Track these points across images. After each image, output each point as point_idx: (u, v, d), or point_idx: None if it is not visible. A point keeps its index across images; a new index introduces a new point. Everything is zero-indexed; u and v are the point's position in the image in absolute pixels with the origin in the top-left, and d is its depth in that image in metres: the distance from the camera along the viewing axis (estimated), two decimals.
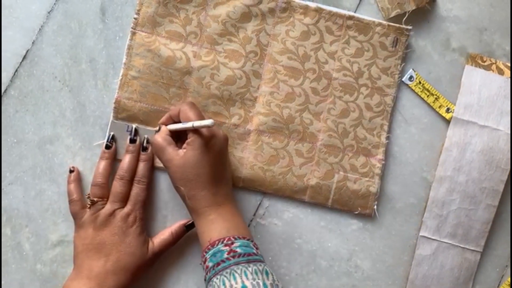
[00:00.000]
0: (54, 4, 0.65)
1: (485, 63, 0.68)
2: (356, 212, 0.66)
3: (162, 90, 0.64)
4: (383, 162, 0.66)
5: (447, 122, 0.67)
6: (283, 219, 0.66)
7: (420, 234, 0.67)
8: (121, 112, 0.64)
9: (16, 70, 0.64)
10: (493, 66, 0.68)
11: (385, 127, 0.66)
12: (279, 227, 0.66)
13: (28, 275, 0.64)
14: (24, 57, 0.64)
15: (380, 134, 0.66)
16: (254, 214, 0.66)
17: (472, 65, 0.68)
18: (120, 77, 0.64)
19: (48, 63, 0.64)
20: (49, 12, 0.65)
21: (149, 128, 0.64)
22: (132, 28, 0.64)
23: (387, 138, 0.66)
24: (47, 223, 0.64)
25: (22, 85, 0.64)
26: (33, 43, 0.64)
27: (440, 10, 0.68)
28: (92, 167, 0.64)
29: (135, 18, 0.64)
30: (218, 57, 0.64)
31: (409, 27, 0.66)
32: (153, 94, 0.64)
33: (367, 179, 0.66)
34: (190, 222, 0.63)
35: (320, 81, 0.65)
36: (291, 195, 0.66)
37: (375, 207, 0.66)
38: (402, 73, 0.67)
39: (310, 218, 0.67)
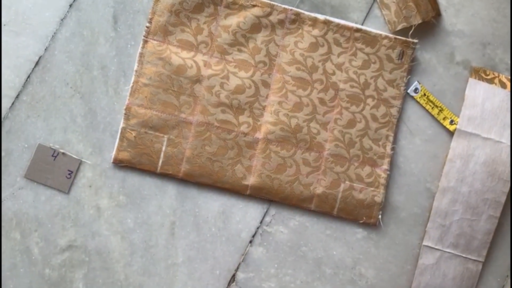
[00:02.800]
0: (67, 11, 0.66)
1: (488, 77, 0.69)
2: (361, 221, 0.67)
3: (172, 97, 0.65)
4: (388, 172, 0.68)
5: (451, 133, 0.69)
6: (289, 227, 0.67)
7: (423, 243, 0.68)
8: (131, 119, 0.65)
9: (29, 76, 0.65)
10: (496, 80, 0.69)
11: (391, 138, 0.68)
12: (285, 234, 0.67)
13: (36, 279, 0.64)
14: (37, 63, 0.65)
15: (386, 144, 0.67)
16: (261, 222, 0.67)
17: (475, 78, 0.69)
18: (131, 84, 0.65)
19: (60, 70, 0.65)
20: (62, 19, 0.66)
21: (74, 156, 0.64)
22: (144, 36, 0.65)
23: (392, 149, 0.68)
24: (56, 228, 0.65)
25: (34, 91, 0.65)
26: (45, 49, 0.65)
27: (445, 24, 0.69)
28: (102, 173, 0.65)
29: (147, 27, 0.65)
30: (228, 66, 0.66)
31: (415, 40, 0.67)
32: (163, 101, 0.65)
33: (372, 189, 0.67)
34: None
35: (327, 92, 0.67)
36: (298, 203, 0.66)
37: (380, 216, 0.67)
38: (407, 85, 0.68)
39: (315, 227, 0.67)
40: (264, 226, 0.67)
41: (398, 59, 0.67)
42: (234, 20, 0.66)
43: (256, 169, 0.66)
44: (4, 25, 0.65)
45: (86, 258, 0.65)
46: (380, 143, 0.67)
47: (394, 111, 0.68)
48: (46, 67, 0.65)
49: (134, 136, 0.65)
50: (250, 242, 0.67)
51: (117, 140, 0.65)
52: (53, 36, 0.65)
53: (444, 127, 0.69)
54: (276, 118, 0.66)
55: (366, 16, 0.68)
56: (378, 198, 0.67)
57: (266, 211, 0.67)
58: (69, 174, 0.65)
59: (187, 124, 0.65)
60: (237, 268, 0.67)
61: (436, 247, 0.68)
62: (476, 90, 0.69)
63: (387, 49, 0.67)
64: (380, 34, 0.67)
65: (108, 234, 0.65)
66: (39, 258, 0.65)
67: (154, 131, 0.65)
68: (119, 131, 0.65)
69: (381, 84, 0.67)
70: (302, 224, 0.67)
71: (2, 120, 0.65)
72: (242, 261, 0.67)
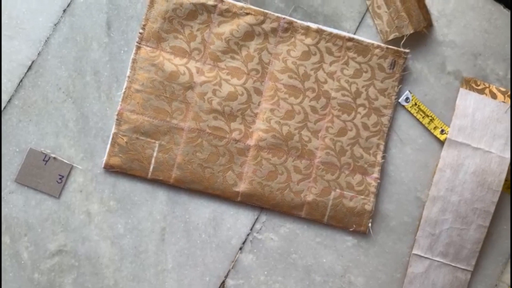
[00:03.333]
0: (61, 16, 0.66)
1: (479, 87, 0.70)
2: (351, 229, 0.67)
3: (164, 104, 0.65)
4: (379, 181, 0.68)
5: (441, 143, 0.69)
6: (279, 234, 0.68)
7: (413, 252, 0.68)
8: (123, 124, 0.65)
9: (21, 80, 0.65)
10: (487, 90, 0.70)
11: (381, 147, 0.68)
12: (275, 242, 0.67)
13: (25, 284, 0.64)
14: (29, 68, 0.65)
15: (376, 153, 0.68)
16: (251, 229, 0.67)
17: (466, 88, 0.70)
18: (123, 90, 0.65)
19: (52, 75, 0.65)
20: (55, 25, 0.66)
21: (65, 160, 0.64)
22: (137, 42, 0.65)
23: (383, 157, 0.68)
24: (46, 233, 0.65)
25: (26, 95, 0.65)
26: (38, 54, 0.65)
27: (437, 35, 0.70)
28: (93, 178, 0.65)
29: (140, 33, 0.65)
30: (220, 73, 0.66)
31: (407, 50, 0.68)
32: (156, 107, 0.65)
33: (362, 197, 0.67)
34: None
35: (319, 100, 0.67)
36: (288, 210, 0.67)
37: (370, 224, 0.68)
38: (398, 94, 0.68)
39: (306, 234, 0.68)
40: (255, 233, 0.67)
41: (390, 69, 0.68)
42: (228, 28, 0.66)
43: (247, 176, 0.66)
44: None
45: (75, 263, 0.65)
46: (371, 151, 0.68)
47: (385, 120, 0.68)
48: (39, 72, 0.65)
49: (126, 142, 0.65)
50: (240, 249, 0.67)
51: (109, 145, 0.65)
52: (46, 41, 0.66)
53: (435, 136, 0.69)
54: (268, 126, 0.66)
55: (358, 26, 0.69)
56: (368, 206, 0.68)
57: (257, 218, 0.67)
58: (60, 178, 0.65)
59: (178, 130, 0.65)
60: (227, 275, 0.67)
61: (426, 256, 0.68)
62: (467, 100, 0.69)
63: (379, 59, 0.68)
64: (372, 44, 0.67)
65: (98, 239, 0.65)
66: (28, 263, 0.65)
67: (145, 137, 0.65)
68: (111, 136, 0.65)
69: (373, 93, 0.68)
70: (293, 231, 0.68)
71: None
72: (232, 268, 0.67)
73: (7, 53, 0.65)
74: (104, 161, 0.65)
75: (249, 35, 0.66)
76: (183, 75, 0.65)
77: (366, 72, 0.68)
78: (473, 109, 0.69)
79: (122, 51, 0.66)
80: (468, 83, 0.70)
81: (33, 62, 0.65)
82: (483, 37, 0.70)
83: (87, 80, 0.66)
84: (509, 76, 0.70)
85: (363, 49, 0.67)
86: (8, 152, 0.65)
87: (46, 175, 0.65)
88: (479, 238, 0.69)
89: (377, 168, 0.68)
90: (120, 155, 0.65)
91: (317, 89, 0.67)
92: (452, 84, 0.70)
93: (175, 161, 0.65)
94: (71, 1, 0.66)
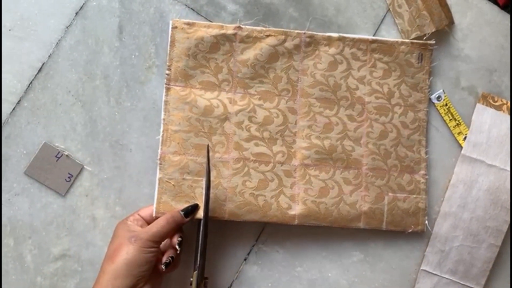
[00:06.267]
0: (73, 19, 0.66)
1: (496, 103, 0.68)
2: (410, 231, 0.66)
3: (204, 139, 0.64)
4: (427, 177, 0.67)
5: (455, 157, 0.68)
6: (285, 247, 0.66)
7: (421, 268, 0.67)
8: (167, 168, 0.63)
9: (31, 82, 0.65)
10: (504, 107, 0.68)
11: (423, 142, 0.67)
12: (280, 254, 0.66)
13: (28, 287, 0.64)
14: (40, 70, 0.65)
15: (420, 149, 0.67)
16: (257, 240, 0.66)
17: (483, 104, 0.68)
18: (161, 133, 0.64)
19: (62, 77, 0.65)
20: (67, 27, 0.66)
21: (77, 160, 0.64)
22: (166, 84, 0.64)
23: (426, 152, 0.67)
24: (50, 236, 0.64)
25: (36, 98, 0.65)
26: (49, 56, 0.65)
27: (452, 49, 0.68)
28: (99, 183, 0.65)
29: (167, 74, 0.64)
30: (252, 99, 0.65)
31: (432, 42, 0.67)
32: (196, 144, 0.64)
33: (414, 196, 0.66)
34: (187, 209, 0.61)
35: (354, 107, 0.66)
36: (346, 224, 0.65)
37: (426, 222, 0.67)
38: (431, 87, 0.68)
39: (312, 247, 0.67)
40: (260, 245, 0.66)
41: (418, 63, 0.67)
42: (251, 53, 0.65)
43: (300, 197, 0.65)
44: (10, 30, 0.65)
45: (78, 268, 0.64)
46: (414, 149, 0.67)
47: (422, 115, 0.67)
48: (49, 74, 0.65)
49: (173, 185, 0.63)
50: (245, 259, 0.66)
51: (156, 191, 0.63)
52: (57, 43, 0.65)
53: (453, 147, 0.68)
54: (309, 142, 0.65)
55: (377, 29, 0.68)
56: (422, 204, 0.67)
57: (262, 230, 0.66)
58: (68, 177, 0.65)
59: (224, 163, 0.64)
60: (231, 285, 0.66)
61: (434, 272, 0.67)
62: (483, 116, 0.68)
63: (405, 55, 0.67)
64: (397, 41, 0.67)
65: (102, 244, 0.65)
66: (31, 266, 0.64)
67: (192, 176, 0.63)
68: (157, 182, 0.63)
69: (405, 90, 0.67)
70: (298, 244, 0.66)
71: (2, 125, 0.65)
72: (236, 278, 0.66)
73: (17, 54, 0.65)
74: (155, 209, 0.62)
75: (273, 56, 0.65)
76: (217, 108, 0.65)
77: (395, 70, 0.67)
78: (489, 126, 0.67)
79: (133, 56, 0.66)
80: (486, 99, 0.68)
81: (43, 64, 0.65)
82: (499, 53, 0.69)
83: (97, 83, 0.65)
84: None
85: (388, 48, 0.66)
86: (15, 154, 0.64)
87: (56, 171, 0.64)
88: (490, 257, 0.67)
89: (423, 165, 0.67)
90: (170, 199, 0.63)
91: (350, 96, 0.66)
92: (466, 99, 0.68)
93: (226, 195, 0.64)
94: (83, 4, 0.66)
